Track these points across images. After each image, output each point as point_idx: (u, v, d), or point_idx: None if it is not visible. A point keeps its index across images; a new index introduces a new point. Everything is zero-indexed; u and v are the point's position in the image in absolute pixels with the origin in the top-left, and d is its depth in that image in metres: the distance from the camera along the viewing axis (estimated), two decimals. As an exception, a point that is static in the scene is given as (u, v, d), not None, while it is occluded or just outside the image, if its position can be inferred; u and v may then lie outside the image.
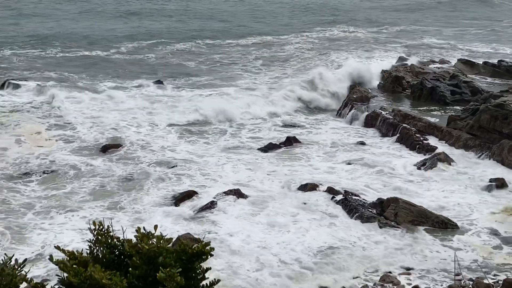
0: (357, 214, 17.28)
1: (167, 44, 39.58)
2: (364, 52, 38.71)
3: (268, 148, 22.93)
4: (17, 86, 28.41)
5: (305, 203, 18.11)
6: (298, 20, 50.34)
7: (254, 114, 26.55)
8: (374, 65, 33.04)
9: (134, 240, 4.14)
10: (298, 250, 15.41)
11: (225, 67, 34.70)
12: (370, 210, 17.53)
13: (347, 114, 26.78)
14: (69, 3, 54.13)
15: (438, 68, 32.97)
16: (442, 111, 26.55)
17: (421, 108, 26.75)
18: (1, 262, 4.50)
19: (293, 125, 26.13)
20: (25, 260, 4.64)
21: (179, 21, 47.44)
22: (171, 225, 16.60)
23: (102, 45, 38.55)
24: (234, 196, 18.26)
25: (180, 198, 18.38)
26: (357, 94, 28.15)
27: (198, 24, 46.33)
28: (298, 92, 29.29)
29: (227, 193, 18.42)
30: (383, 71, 31.54)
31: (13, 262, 4.52)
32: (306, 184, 19.31)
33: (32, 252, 15.12)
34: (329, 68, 34.06)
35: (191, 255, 4.03)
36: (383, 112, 25.54)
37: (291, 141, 23.44)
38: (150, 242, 3.97)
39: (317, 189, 19.05)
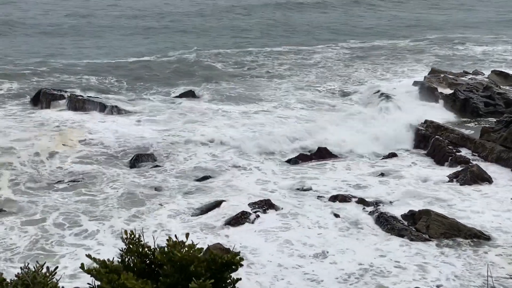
0: (388, 226, 17.12)
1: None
2: (394, 64, 38.45)
3: (299, 158, 22.87)
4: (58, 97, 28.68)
5: (336, 215, 17.98)
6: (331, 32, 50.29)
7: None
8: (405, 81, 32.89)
9: (165, 248, 4.15)
10: (332, 270, 15.20)
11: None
12: (401, 222, 17.36)
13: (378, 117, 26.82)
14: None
15: (472, 79, 32.61)
16: (475, 123, 26.24)
17: (454, 120, 26.48)
18: (33, 269, 4.54)
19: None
20: (56, 267, 4.67)
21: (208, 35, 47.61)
22: (200, 235, 16.62)
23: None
24: (265, 207, 18.22)
25: (210, 208, 18.41)
26: (389, 104, 27.97)
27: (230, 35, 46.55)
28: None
29: (258, 203, 18.39)
30: (415, 82, 31.36)
31: (44, 269, 4.56)
32: (337, 195, 19.21)
33: (64, 260, 15.24)
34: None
35: (221, 264, 4.02)
36: (414, 123, 25.30)
37: (322, 152, 23.33)
38: (182, 250, 3.97)
39: (348, 200, 18.93)
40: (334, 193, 19.53)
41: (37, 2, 55.16)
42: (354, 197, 19.11)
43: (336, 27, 51.26)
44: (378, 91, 30.31)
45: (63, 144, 23.11)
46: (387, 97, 29.02)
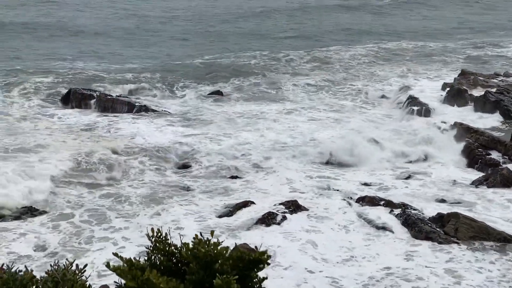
0: (416, 228, 16.99)
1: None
2: (423, 65, 38.12)
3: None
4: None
5: (363, 217, 17.89)
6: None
7: None
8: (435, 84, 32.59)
9: (190, 245, 4.17)
10: (357, 274, 15.09)
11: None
12: (429, 224, 17.21)
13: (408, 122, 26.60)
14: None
15: (502, 81, 32.21)
16: (506, 125, 25.91)
17: (484, 122, 26.18)
18: (63, 267, 4.60)
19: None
20: (86, 265, 4.73)
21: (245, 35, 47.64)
22: (227, 235, 16.66)
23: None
24: (291, 208, 18.20)
25: (236, 209, 18.45)
26: (417, 106, 27.77)
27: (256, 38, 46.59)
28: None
29: (284, 204, 18.38)
30: (445, 84, 31.12)
31: (73, 267, 4.62)
32: (364, 197, 19.12)
33: (92, 259, 15.39)
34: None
35: (248, 262, 4.03)
36: (443, 125, 25.10)
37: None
38: (207, 247, 4.00)
39: (375, 202, 18.82)
40: (361, 194, 19.43)
41: (89, 5, 55.81)
42: (382, 199, 18.99)
43: (365, 28, 51.00)
44: (407, 93, 30.09)
45: (97, 144, 23.31)
46: (416, 99, 28.78)
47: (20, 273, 4.58)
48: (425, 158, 23.00)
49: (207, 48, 41.76)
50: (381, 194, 19.50)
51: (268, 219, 17.55)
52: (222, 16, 53.78)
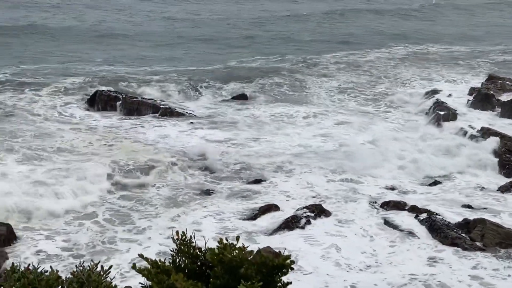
0: (441, 234, 16.82)
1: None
2: (450, 69, 37.80)
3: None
4: None
5: (388, 222, 17.77)
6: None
7: None
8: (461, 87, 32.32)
9: (216, 250, 4.17)
10: (380, 280, 14.96)
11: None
12: (455, 230, 17.03)
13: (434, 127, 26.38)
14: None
15: (530, 86, 31.79)
16: (534, 131, 25.57)
17: (512, 127, 25.88)
18: (88, 268, 4.64)
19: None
20: (111, 267, 4.76)
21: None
22: (250, 238, 16.66)
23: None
24: (315, 212, 18.14)
25: (260, 212, 18.43)
26: (444, 111, 27.52)
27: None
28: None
29: (309, 208, 18.33)
30: (472, 89, 30.83)
31: (99, 268, 4.65)
32: (389, 202, 18.99)
33: (119, 262, 15.48)
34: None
35: (271, 267, 4.02)
36: (471, 130, 24.85)
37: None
38: (233, 252, 3.99)
39: (400, 207, 18.68)
40: (386, 199, 19.30)
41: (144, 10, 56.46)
42: (407, 204, 18.84)
43: (392, 31, 50.83)
44: (433, 98, 29.86)
45: (121, 148, 23.44)
46: (443, 104, 28.54)
47: (46, 274, 4.63)
48: (451, 165, 22.75)
49: (233, 51, 41.88)
50: (406, 199, 19.34)
51: (291, 223, 17.51)
52: (250, 20, 53.95)
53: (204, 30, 48.98)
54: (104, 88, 29.95)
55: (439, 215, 17.98)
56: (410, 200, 19.29)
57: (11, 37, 42.13)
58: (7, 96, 29.07)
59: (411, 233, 17.14)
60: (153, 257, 4.64)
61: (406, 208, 18.57)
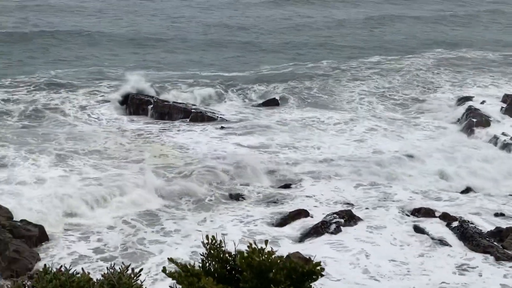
0: (473, 242, 16.61)
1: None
2: (483, 76, 37.34)
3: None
4: None
5: (418, 229, 17.60)
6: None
7: None
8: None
9: (245, 254, 4.18)
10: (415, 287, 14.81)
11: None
12: (487, 239, 16.80)
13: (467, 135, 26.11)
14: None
15: None
16: None
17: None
18: (118, 271, 4.68)
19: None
20: (141, 270, 4.79)
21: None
22: (280, 243, 16.64)
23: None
24: (345, 218, 18.04)
25: (290, 217, 18.40)
26: (477, 118, 27.20)
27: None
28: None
29: (339, 214, 18.24)
30: (506, 95, 30.41)
31: (129, 271, 4.68)
32: (420, 209, 18.82)
33: (150, 265, 15.59)
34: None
35: (301, 274, 4.01)
36: (504, 138, 24.52)
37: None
38: (261, 256, 4.00)
39: (431, 214, 18.49)
40: (417, 206, 19.12)
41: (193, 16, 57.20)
42: (438, 211, 18.64)
43: (426, 37, 50.48)
44: (466, 104, 29.51)
45: (153, 154, 23.58)
46: (476, 110, 28.20)
47: (78, 275, 4.68)
48: (483, 172, 22.47)
49: (266, 56, 41.91)
50: (437, 206, 19.14)
51: (321, 229, 17.45)
52: (286, 25, 54.04)
53: (238, 36, 49.14)
54: (136, 92, 30.17)
55: (471, 223, 17.76)
56: (441, 207, 19.09)
57: (51, 40, 42.93)
58: (42, 98, 29.50)
59: (442, 241, 16.96)
60: (181, 260, 4.66)
61: (438, 215, 18.37)
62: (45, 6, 57.64)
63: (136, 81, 31.01)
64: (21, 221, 16.89)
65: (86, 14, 55.35)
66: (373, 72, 37.22)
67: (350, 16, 59.79)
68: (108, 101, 29.78)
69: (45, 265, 4.85)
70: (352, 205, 19.48)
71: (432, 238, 17.12)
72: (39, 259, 15.55)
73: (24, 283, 4.69)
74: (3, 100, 28.72)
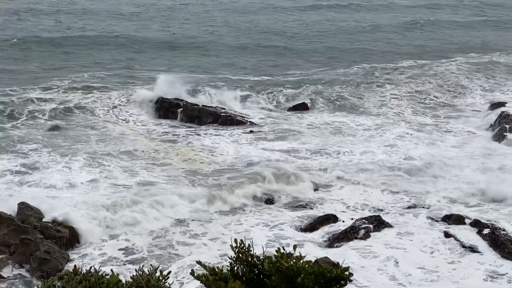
0: (505, 250, 16.37)
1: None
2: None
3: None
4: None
5: (449, 236, 17.40)
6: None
7: None
8: None
9: (273, 258, 4.18)
10: None
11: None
12: (519, 247, 16.56)
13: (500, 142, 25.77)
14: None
15: None
16: None
17: None
18: (147, 273, 4.71)
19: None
20: (169, 272, 4.81)
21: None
22: (308, 248, 16.59)
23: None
24: (374, 224, 17.91)
25: (319, 222, 18.34)
26: (510, 124, 26.78)
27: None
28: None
29: (367, 219, 18.13)
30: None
31: (158, 273, 4.71)
32: (451, 215, 18.61)
33: (177, 267, 15.66)
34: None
35: (329, 279, 3.99)
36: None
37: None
38: (290, 261, 3.99)
39: (462, 221, 18.27)
40: (448, 212, 18.91)
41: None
42: (469, 218, 18.42)
43: (462, 42, 50.12)
44: (498, 110, 29.10)
45: (182, 158, 23.68)
46: (508, 116, 27.77)
47: (107, 277, 4.72)
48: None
49: (298, 61, 41.91)
50: (468, 213, 18.91)
51: (350, 234, 17.35)
52: (321, 30, 54.04)
53: (270, 39, 49.23)
54: (166, 95, 30.35)
55: (503, 230, 17.51)
56: (472, 214, 18.85)
57: (85, 44, 43.65)
58: (74, 100, 29.91)
59: (473, 248, 16.76)
60: (208, 263, 4.67)
61: (468, 222, 18.15)
62: (79, 10, 58.54)
63: (166, 85, 31.22)
64: (52, 222, 17.10)
65: (120, 18, 56.11)
66: (405, 77, 36.98)
67: (383, 20, 59.63)
68: (139, 104, 30.01)
69: (75, 266, 4.90)
70: (381, 210, 19.35)
71: (463, 245, 16.92)
72: (69, 260, 15.72)
73: (54, 283, 4.74)
74: (36, 100, 29.22)
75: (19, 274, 14.92)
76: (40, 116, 27.58)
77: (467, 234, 17.45)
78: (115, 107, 29.66)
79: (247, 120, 28.71)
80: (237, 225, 18.30)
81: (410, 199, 20.32)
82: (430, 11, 66.59)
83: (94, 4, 62.90)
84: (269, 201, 20.22)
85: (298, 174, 21.85)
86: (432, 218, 18.66)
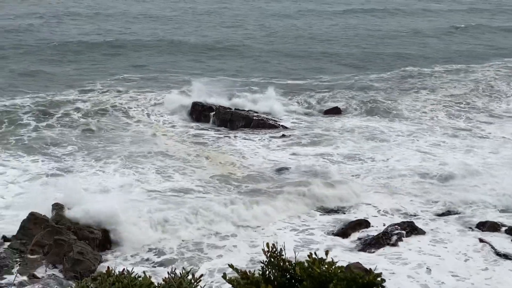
0: (541, 259, 16.09)
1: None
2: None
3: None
4: None
5: (483, 243, 17.14)
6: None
7: None
8: None
9: (305, 264, 4.16)
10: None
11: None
12: (556, 255, 16.25)
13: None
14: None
15: None
16: None
17: None
18: (179, 275, 4.72)
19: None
20: (201, 275, 4.83)
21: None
22: (340, 253, 16.49)
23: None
24: (407, 230, 17.73)
25: (350, 227, 18.23)
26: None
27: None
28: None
29: (400, 225, 17.96)
30: None
31: (190, 276, 4.73)
32: (485, 222, 18.33)
33: (207, 269, 15.71)
34: None
35: (361, 285, 3.96)
36: None
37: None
38: (322, 267, 3.97)
39: (497, 228, 17.99)
40: (482, 219, 18.63)
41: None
42: (504, 225, 18.14)
43: (505, 46, 49.59)
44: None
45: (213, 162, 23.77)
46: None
47: (139, 279, 4.75)
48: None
49: (331, 65, 41.88)
50: (503, 220, 18.62)
51: (382, 240, 17.22)
52: (356, 35, 53.90)
53: (303, 44, 49.26)
54: (198, 98, 30.51)
55: (539, 238, 17.22)
56: (507, 221, 18.56)
57: (123, 46, 44.38)
58: (110, 101, 30.32)
59: (507, 256, 16.49)
60: (237, 266, 4.67)
61: (504, 229, 17.88)
62: (117, 13, 59.34)
63: (200, 88, 31.42)
64: (85, 224, 17.26)
65: (156, 21, 56.75)
66: (441, 82, 36.72)
67: (420, 25, 59.35)
68: (172, 107, 30.24)
69: (108, 267, 4.94)
70: (414, 216, 19.16)
71: (497, 253, 16.66)
72: (101, 261, 15.87)
73: (88, 284, 4.79)
74: (72, 101, 29.72)
75: (53, 274, 15.10)
76: (75, 117, 27.95)
77: (501, 241, 17.19)
78: (149, 109, 29.95)
79: (279, 124, 28.70)
80: (266, 228, 18.25)
81: (444, 205, 20.06)
82: (468, 15, 66.14)
83: (132, 7, 63.66)
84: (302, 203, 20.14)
85: (333, 179, 21.64)
86: (466, 225, 18.41)
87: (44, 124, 27.01)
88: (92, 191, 19.67)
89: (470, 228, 18.25)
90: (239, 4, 70.98)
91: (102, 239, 16.91)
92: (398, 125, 28.85)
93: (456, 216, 19.19)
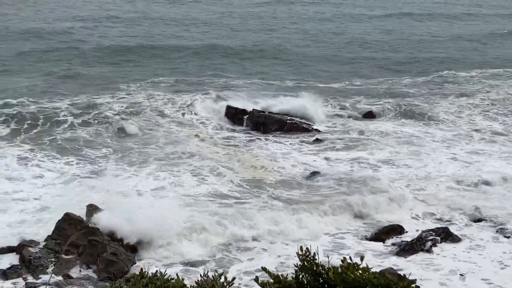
0: None
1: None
2: None
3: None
4: None
5: (519, 250, 16.87)
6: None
7: None
8: None
9: (339, 269, 4.13)
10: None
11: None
12: None
13: None
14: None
15: None
16: None
17: None
18: (212, 278, 4.73)
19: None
20: (234, 278, 4.82)
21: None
22: (373, 258, 16.35)
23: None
24: (442, 236, 17.50)
25: (384, 232, 18.07)
26: None
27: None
28: None
29: (434, 231, 17.74)
30: None
31: (222, 279, 4.73)
32: (522, 230, 18.04)
33: (237, 271, 15.72)
34: None
35: (396, 291, 3.92)
36: None
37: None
38: (356, 272, 3.94)
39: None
40: (519, 227, 18.33)
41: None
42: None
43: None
44: None
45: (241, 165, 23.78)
46: None
47: (172, 281, 4.77)
48: None
49: (366, 69, 41.69)
50: (540, 228, 18.29)
51: (416, 245, 17.02)
52: (394, 39, 53.69)
53: (338, 48, 49.11)
54: (233, 101, 30.60)
55: None
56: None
57: (162, 49, 44.92)
58: (144, 102, 30.64)
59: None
60: (270, 269, 4.65)
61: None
62: (156, 18, 60.04)
63: (235, 91, 31.53)
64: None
65: (193, 25, 57.21)
66: (480, 87, 36.21)
67: (462, 29, 58.83)
68: (206, 110, 30.40)
69: (141, 269, 4.97)
70: (448, 222, 18.92)
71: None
72: (134, 263, 15.97)
73: (121, 286, 4.83)
74: (107, 103, 30.05)
75: (87, 274, 15.26)
76: (110, 119, 28.25)
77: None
78: (183, 111, 30.15)
79: (312, 128, 28.61)
80: (300, 233, 18.16)
81: (479, 212, 19.74)
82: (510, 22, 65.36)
83: (172, 12, 64.26)
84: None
85: (371, 186, 21.35)
86: (501, 233, 18.11)
87: (79, 125, 27.37)
88: (126, 193, 19.79)
89: (506, 236, 17.94)
90: (277, 7, 71.11)
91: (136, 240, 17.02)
92: (434, 130, 28.49)
93: (491, 223, 18.88)
